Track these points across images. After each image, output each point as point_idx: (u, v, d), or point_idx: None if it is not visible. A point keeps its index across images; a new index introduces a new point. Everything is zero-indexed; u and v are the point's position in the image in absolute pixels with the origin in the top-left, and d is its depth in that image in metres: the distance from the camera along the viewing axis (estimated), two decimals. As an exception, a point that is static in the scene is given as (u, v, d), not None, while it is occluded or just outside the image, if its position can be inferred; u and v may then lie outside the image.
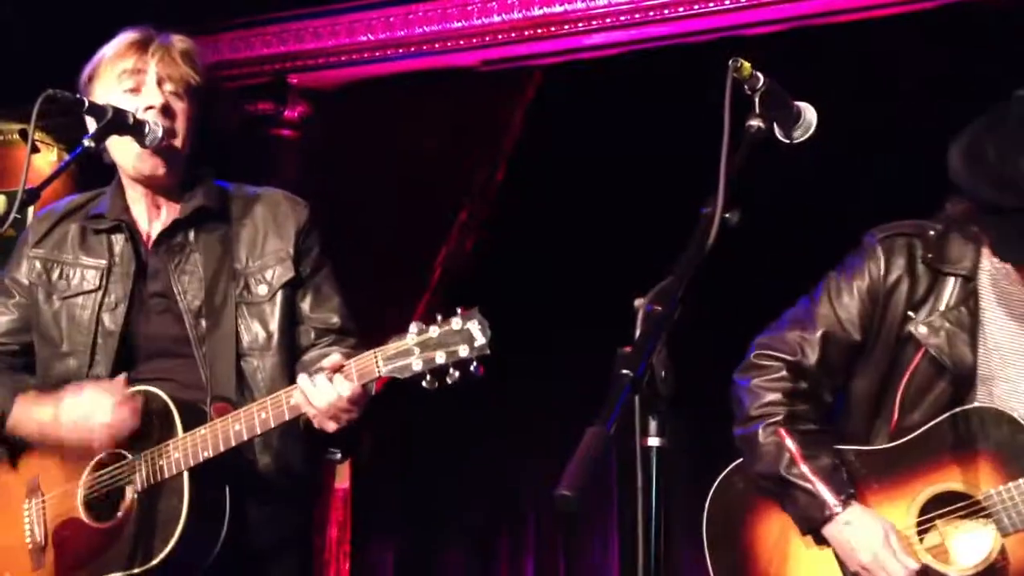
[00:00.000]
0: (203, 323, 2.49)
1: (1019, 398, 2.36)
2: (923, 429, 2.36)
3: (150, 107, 2.50)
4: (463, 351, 2.17)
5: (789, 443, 2.42)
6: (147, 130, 2.55)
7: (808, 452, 2.40)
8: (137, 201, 2.61)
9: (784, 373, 2.48)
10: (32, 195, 2.46)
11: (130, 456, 2.41)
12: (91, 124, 2.60)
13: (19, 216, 2.43)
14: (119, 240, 2.57)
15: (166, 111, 2.52)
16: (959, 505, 2.32)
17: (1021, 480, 2.27)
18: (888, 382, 2.46)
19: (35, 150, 3.45)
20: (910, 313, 2.41)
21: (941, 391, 2.39)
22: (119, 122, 2.51)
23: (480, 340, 2.17)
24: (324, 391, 2.26)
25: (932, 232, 2.47)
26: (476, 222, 5.43)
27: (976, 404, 2.33)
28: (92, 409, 2.39)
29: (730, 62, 1.91)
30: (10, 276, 2.63)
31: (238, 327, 2.48)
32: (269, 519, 2.51)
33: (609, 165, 5.07)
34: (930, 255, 2.42)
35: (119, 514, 2.42)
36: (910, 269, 2.43)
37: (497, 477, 4.74)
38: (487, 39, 5.11)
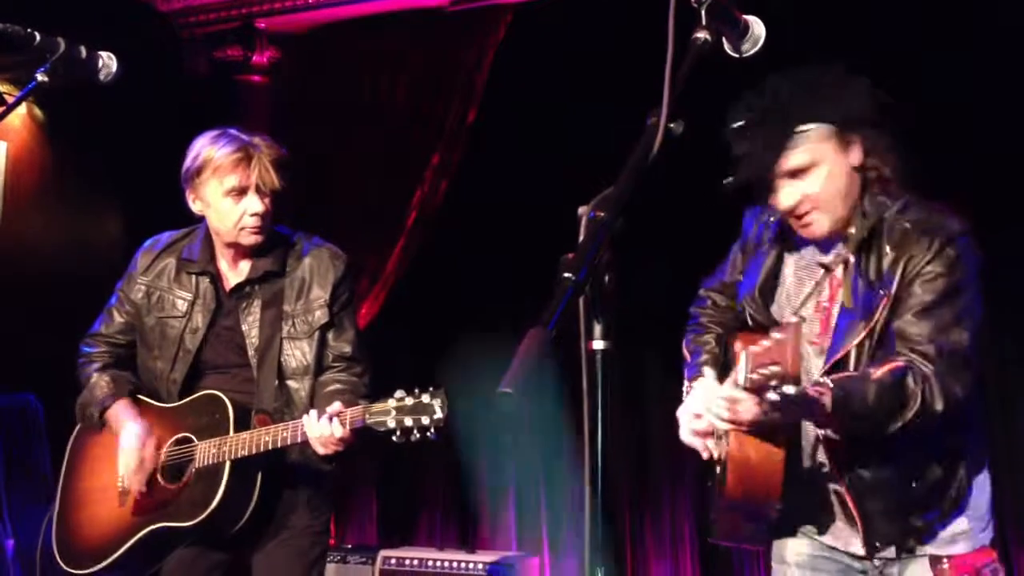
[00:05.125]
0: (257, 353, 3.19)
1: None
2: None
3: (255, 213, 3.12)
4: (424, 420, 2.89)
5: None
6: (100, 64, 2.58)
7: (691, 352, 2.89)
8: (222, 255, 3.26)
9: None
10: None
11: (196, 440, 3.14)
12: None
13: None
14: (204, 282, 3.26)
15: (265, 213, 3.16)
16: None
17: None
18: None
19: (2, 102, 3.41)
20: None
21: None
22: (72, 56, 2.51)
23: (438, 415, 2.89)
24: (321, 428, 2.96)
25: None
26: (449, 164, 5.42)
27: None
28: (127, 447, 3.18)
29: (673, -28, 1.90)
30: (123, 291, 3.35)
31: (282, 358, 3.19)
32: (293, 499, 3.20)
33: (581, 104, 5.05)
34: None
35: (182, 481, 3.16)
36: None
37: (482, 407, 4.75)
38: (455, -21, 5.07)
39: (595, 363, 1.61)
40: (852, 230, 2.58)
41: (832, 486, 2.62)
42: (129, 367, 3.36)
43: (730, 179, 2.53)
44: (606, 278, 1.62)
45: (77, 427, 3.39)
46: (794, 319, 2.25)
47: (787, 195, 2.58)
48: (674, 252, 4.90)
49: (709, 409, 2.47)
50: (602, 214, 1.64)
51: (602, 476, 1.58)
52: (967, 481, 2.62)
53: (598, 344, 1.62)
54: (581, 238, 1.62)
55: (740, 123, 2.55)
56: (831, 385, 2.35)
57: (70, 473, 3.37)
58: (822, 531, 2.68)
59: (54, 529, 3.32)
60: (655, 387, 5.12)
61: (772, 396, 2.14)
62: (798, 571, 2.73)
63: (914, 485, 2.57)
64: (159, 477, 3.21)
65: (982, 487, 2.65)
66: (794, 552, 2.73)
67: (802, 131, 2.53)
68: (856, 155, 2.57)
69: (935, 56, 4.33)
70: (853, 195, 2.58)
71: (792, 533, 2.73)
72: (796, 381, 2.10)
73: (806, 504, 2.66)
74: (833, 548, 2.67)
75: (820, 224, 2.59)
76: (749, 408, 2.32)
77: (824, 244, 2.65)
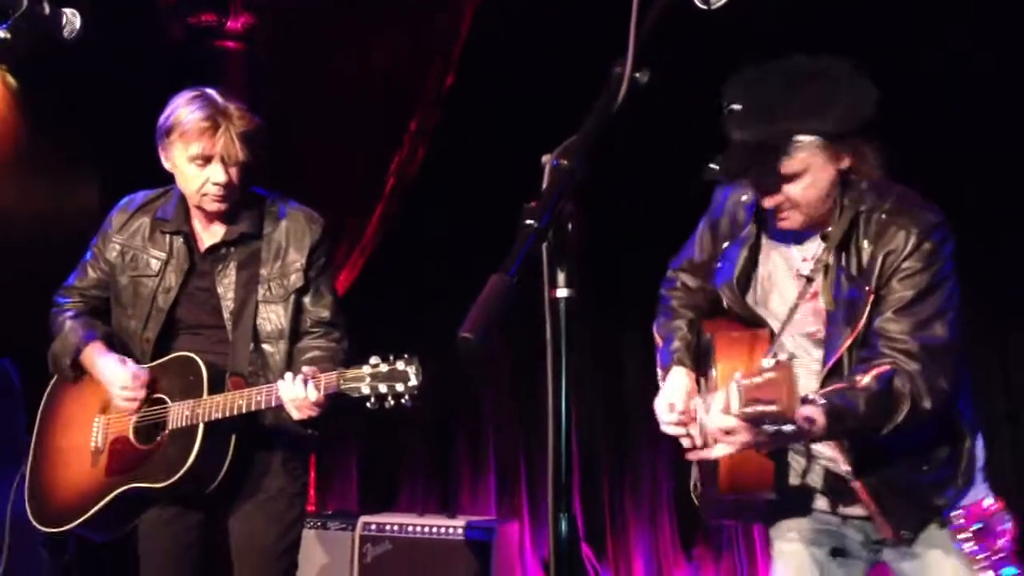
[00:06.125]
0: (232, 316, 3.19)
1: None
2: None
3: (217, 183, 3.10)
4: (399, 387, 2.89)
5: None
6: (64, 21, 2.57)
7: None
8: (196, 217, 3.26)
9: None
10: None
11: (170, 402, 3.15)
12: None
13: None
14: (178, 241, 3.25)
15: (228, 183, 3.13)
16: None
17: None
18: None
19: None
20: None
21: None
22: (35, 13, 2.49)
23: (413, 382, 2.89)
24: (295, 391, 2.96)
25: None
26: (427, 130, 5.39)
27: None
28: (118, 379, 3.17)
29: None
30: (99, 248, 3.35)
31: (257, 321, 3.18)
32: (269, 462, 3.22)
33: (560, 69, 5.01)
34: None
35: (155, 442, 3.16)
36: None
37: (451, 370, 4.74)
38: (433, -60, 5.02)
39: (558, 311, 1.60)
40: (831, 228, 2.59)
41: (835, 469, 2.63)
42: (103, 321, 3.35)
43: (715, 166, 2.49)
44: (569, 226, 1.61)
45: (50, 384, 3.39)
46: (783, 357, 2.27)
47: (772, 196, 2.57)
48: (652, 210, 4.89)
49: (701, 427, 2.53)
50: (565, 162, 1.63)
51: (565, 424, 1.58)
52: (973, 449, 2.66)
53: (561, 292, 1.61)
54: (544, 185, 1.61)
55: (737, 108, 2.51)
56: (822, 403, 2.40)
57: (42, 432, 3.38)
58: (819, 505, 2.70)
59: (26, 488, 3.33)
60: (633, 345, 5.12)
61: (769, 429, 2.29)
62: (799, 546, 2.73)
63: (925, 468, 2.61)
64: (131, 437, 3.21)
65: (982, 450, 2.70)
66: (795, 526, 2.74)
67: (797, 141, 2.50)
68: (845, 161, 2.56)
69: (934, 54, 4.33)
70: (834, 194, 2.58)
71: (789, 513, 2.74)
72: (793, 420, 2.24)
73: (803, 487, 2.69)
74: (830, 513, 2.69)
75: (795, 220, 2.60)
76: (742, 437, 2.37)
77: (800, 235, 2.65)
